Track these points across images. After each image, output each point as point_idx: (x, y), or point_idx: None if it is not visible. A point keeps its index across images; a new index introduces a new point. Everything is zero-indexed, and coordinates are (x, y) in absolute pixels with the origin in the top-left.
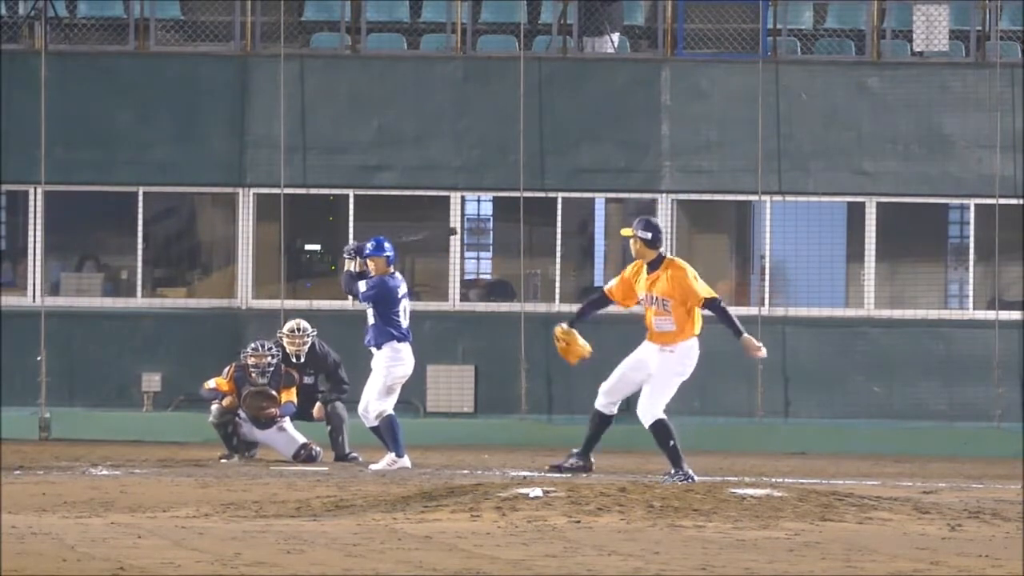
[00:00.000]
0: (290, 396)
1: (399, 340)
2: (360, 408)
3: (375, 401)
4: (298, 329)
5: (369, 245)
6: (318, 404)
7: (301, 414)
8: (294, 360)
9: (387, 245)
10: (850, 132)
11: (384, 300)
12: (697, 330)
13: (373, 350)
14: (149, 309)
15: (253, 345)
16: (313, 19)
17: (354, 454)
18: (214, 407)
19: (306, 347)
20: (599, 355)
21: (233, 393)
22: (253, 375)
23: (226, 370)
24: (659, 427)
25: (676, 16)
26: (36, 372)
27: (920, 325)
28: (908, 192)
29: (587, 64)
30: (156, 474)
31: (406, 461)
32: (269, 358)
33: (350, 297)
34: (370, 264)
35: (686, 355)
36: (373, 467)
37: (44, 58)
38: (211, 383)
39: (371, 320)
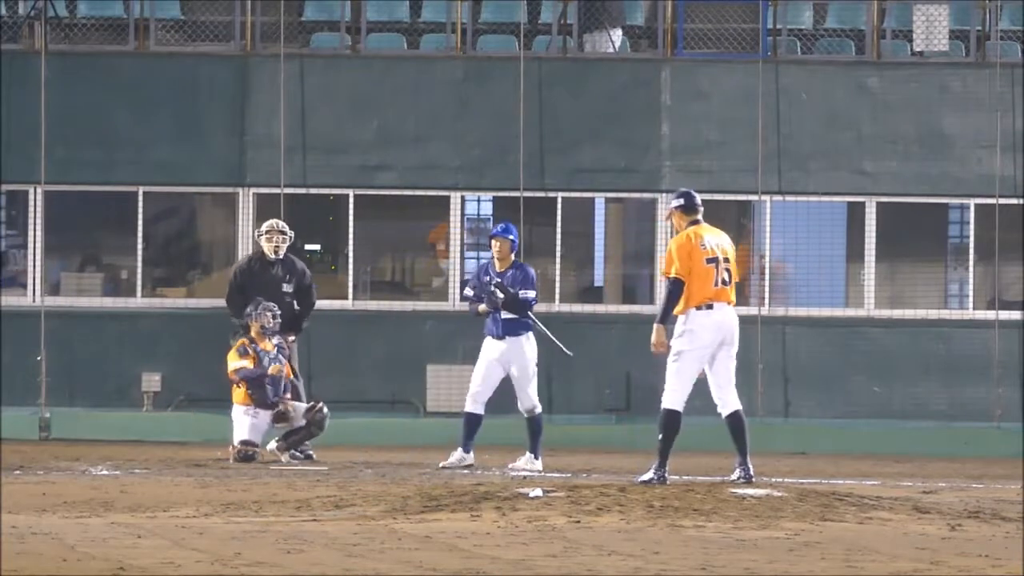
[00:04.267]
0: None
1: (530, 329)
2: (526, 406)
3: (535, 392)
4: (275, 226)
5: (500, 227)
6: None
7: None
8: (272, 256)
9: (513, 229)
10: (850, 132)
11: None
12: (693, 301)
13: (504, 340)
14: (149, 309)
15: (249, 311)
16: (313, 19)
17: (310, 452)
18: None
19: (285, 245)
20: (601, 355)
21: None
22: (264, 338)
23: (244, 350)
24: (660, 415)
25: (676, 16)
26: (36, 372)
27: (920, 325)
28: (908, 192)
29: (587, 64)
30: (156, 474)
31: (539, 465)
32: (270, 315)
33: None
34: (496, 245)
35: (680, 326)
36: (512, 465)
37: (44, 58)
38: (244, 364)
39: (506, 314)
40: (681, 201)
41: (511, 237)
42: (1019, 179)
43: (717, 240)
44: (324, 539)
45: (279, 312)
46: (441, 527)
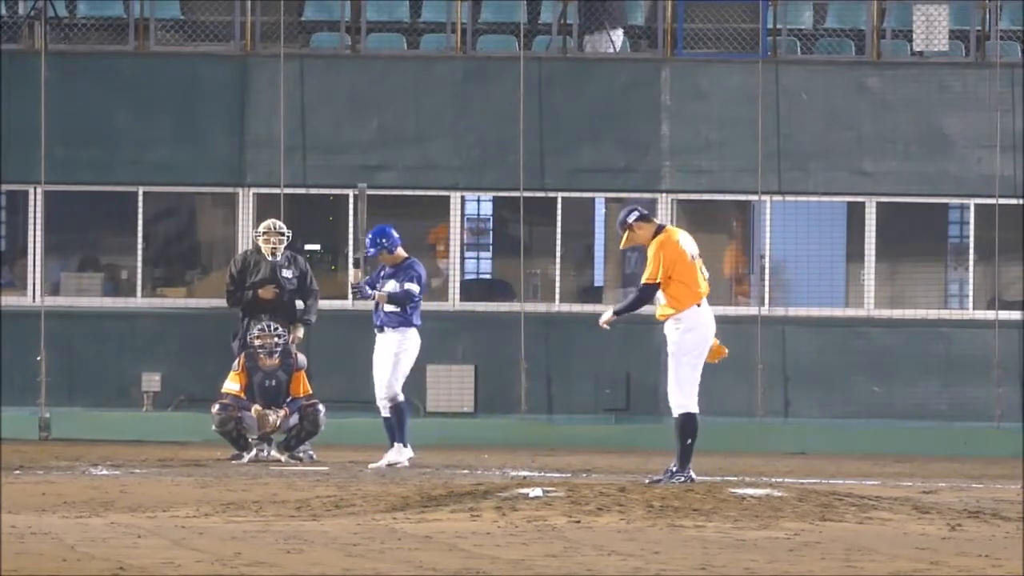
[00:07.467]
0: (301, 379)
1: (413, 324)
2: (382, 395)
3: (396, 384)
4: (273, 227)
5: (370, 242)
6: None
7: (284, 313)
8: (270, 257)
9: (378, 237)
10: (850, 132)
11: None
12: (690, 301)
13: (383, 331)
14: (149, 309)
15: (260, 326)
16: (313, 19)
17: (311, 452)
18: (216, 415)
19: (282, 245)
20: (601, 355)
21: (245, 383)
22: (261, 356)
23: (236, 362)
24: (682, 420)
25: (676, 16)
26: (36, 372)
27: (920, 325)
28: (908, 192)
29: (587, 64)
30: (156, 474)
31: (408, 452)
32: (275, 338)
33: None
34: (387, 258)
35: (681, 324)
36: (372, 465)
37: (44, 58)
38: (233, 386)
39: (388, 307)
40: (638, 212)
41: (380, 249)
42: (1019, 179)
43: (689, 239)
44: (324, 539)
45: (284, 334)
46: (441, 527)
